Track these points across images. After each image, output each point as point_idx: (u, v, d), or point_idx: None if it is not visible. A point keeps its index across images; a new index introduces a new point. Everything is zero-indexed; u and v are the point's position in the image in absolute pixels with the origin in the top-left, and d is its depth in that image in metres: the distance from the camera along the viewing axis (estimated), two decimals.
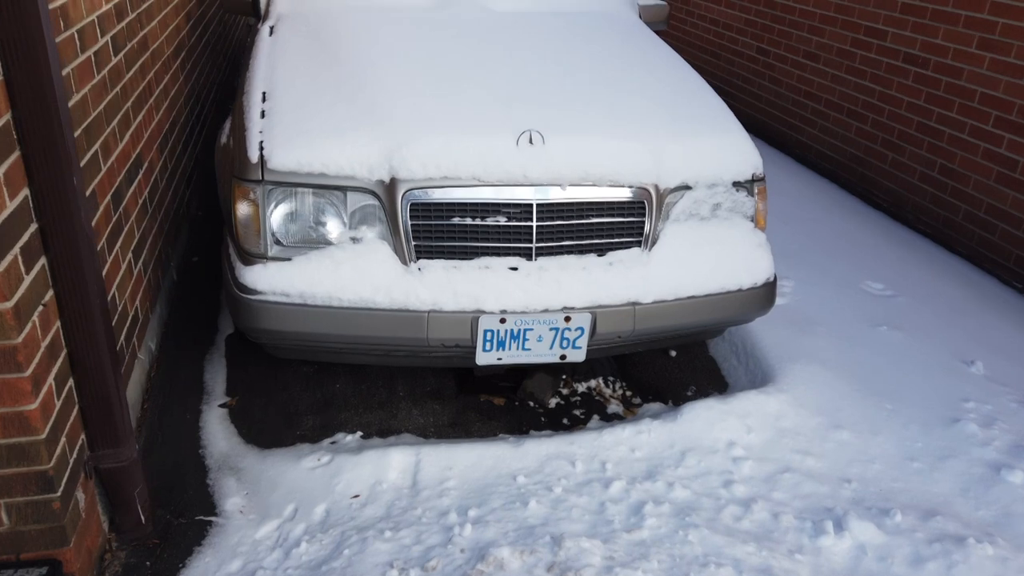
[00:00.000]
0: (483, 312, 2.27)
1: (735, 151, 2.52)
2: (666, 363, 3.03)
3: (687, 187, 2.47)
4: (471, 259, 2.30)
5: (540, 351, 2.37)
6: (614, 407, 2.76)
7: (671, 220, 2.46)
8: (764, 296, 2.56)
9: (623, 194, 2.37)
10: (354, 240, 2.29)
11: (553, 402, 2.77)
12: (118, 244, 2.42)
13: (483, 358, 2.34)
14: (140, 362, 2.57)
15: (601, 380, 2.89)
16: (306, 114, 2.40)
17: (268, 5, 3.32)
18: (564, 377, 2.89)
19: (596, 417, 2.71)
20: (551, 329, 2.34)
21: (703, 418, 2.53)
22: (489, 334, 2.30)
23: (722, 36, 6.26)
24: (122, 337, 2.39)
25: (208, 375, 2.76)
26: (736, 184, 2.53)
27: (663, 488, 2.25)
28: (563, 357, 2.39)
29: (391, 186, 2.25)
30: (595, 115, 2.46)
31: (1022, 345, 3.14)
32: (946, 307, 3.39)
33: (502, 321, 2.29)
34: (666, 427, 2.50)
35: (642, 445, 2.45)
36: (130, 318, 2.50)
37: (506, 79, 2.61)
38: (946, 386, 2.80)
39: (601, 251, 2.39)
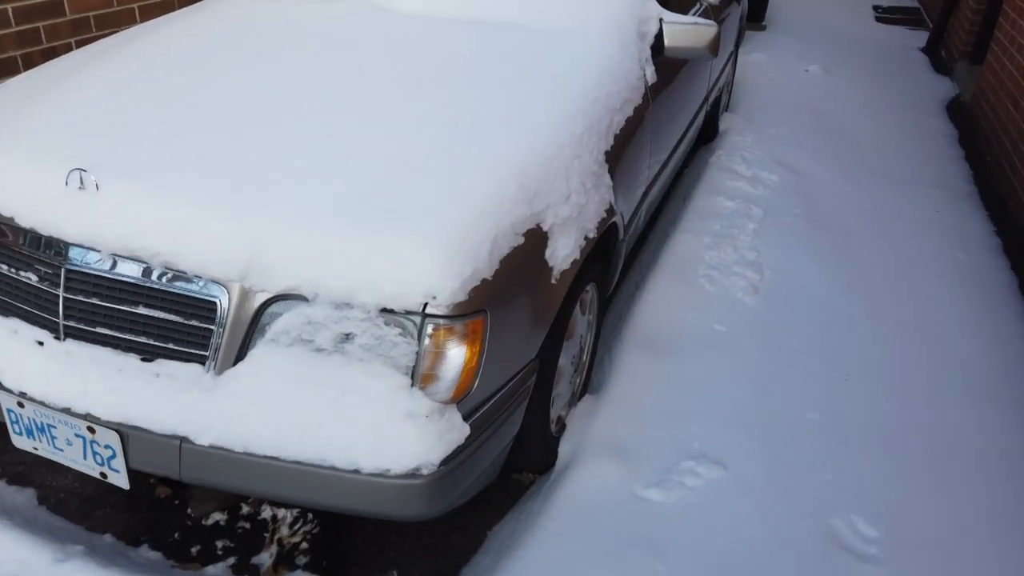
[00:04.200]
0: (1, 387, 1.77)
1: (402, 262, 1.59)
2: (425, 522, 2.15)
3: (301, 298, 1.63)
4: (4, 316, 1.80)
5: (75, 457, 1.80)
6: (264, 557, 2.03)
7: (267, 339, 1.65)
8: (401, 493, 1.62)
9: (183, 285, 1.64)
10: None
11: (214, 518, 2.13)
12: None
13: (18, 441, 1.85)
14: None
15: (293, 514, 2.15)
16: None
17: None
18: None
19: (230, 560, 2.02)
20: (77, 436, 1.75)
21: None
22: (13, 415, 1.80)
23: None
24: None
25: None
26: (387, 313, 1.61)
27: None
28: (103, 476, 1.78)
29: None
30: (230, 173, 1.74)
31: None
32: None
33: (20, 405, 1.76)
34: None
35: None
36: None
37: (235, 113, 1.97)
38: None
39: (149, 355, 1.70)
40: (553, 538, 1.99)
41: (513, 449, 2.08)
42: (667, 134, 2.90)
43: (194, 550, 2.05)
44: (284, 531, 2.10)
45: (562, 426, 2.37)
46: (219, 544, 2.07)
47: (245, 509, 2.17)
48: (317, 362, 1.63)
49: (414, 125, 1.95)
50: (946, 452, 2.44)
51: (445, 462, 1.64)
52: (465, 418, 1.70)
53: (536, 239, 1.84)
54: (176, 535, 2.09)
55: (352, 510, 1.67)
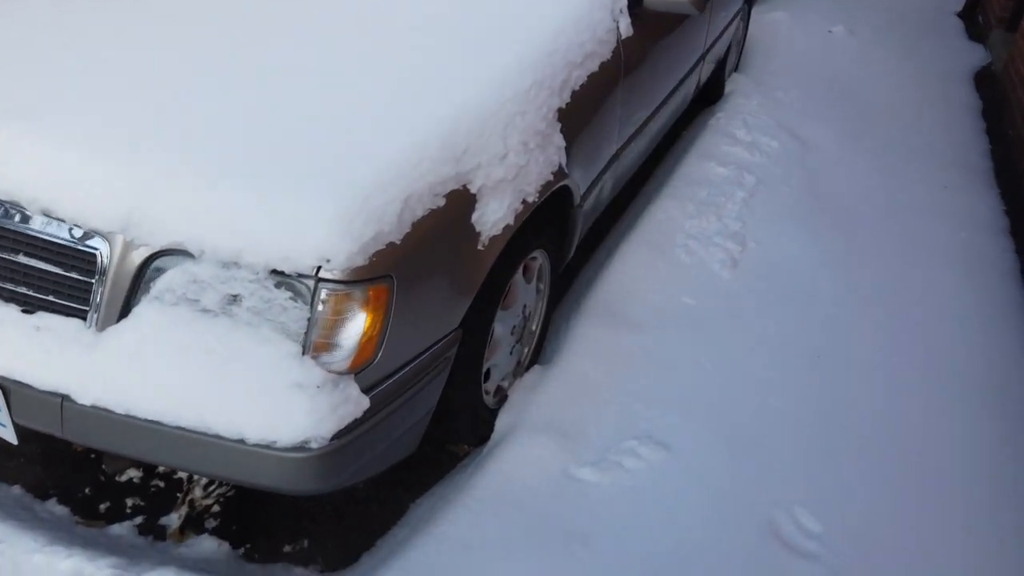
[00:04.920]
0: None
1: (294, 222, 1.46)
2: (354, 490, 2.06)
3: (188, 254, 1.51)
4: None
5: None
6: (172, 518, 1.95)
7: (151, 297, 1.54)
8: (289, 466, 1.52)
9: (62, 235, 1.53)
10: None
11: (129, 475, 2.06)
12: None
13: None
14: None
15: None
16: None
17: None
18: None
19: (138, 519, 1.95)
20: None
21: None
22: None
23: None
24: None
25: None
26: (277, 275, 1.48)
27: None
28: None
29: None
30: (124, 121, 1.61)
31: None
32: None
33: None
34: None
35: None
36: None
37: (174, 62, 1.83)
38: None
39: (29, 307, 1.60)
40: (472, 517, 1.89)
41: (443, 419, 1.97)
42: (645, 94, 2.70)
43: (103, 507, 1.98)
44: (198, 493, 2.02)
45: (503, 397, 2.25)
46: (129, 502, 1.99)
47: (161, 468, 2.09)
48: (203, 323, 1.52)
49: (337, 76, 1.80)
50: (916, 445, 2.29)
51: (338, 436, 1.53)
52: (367, 390, 1.58)
53: (461, 201, 1.70)
54: (87, 490, 2.02)
55: (239, 481, 1.58)
